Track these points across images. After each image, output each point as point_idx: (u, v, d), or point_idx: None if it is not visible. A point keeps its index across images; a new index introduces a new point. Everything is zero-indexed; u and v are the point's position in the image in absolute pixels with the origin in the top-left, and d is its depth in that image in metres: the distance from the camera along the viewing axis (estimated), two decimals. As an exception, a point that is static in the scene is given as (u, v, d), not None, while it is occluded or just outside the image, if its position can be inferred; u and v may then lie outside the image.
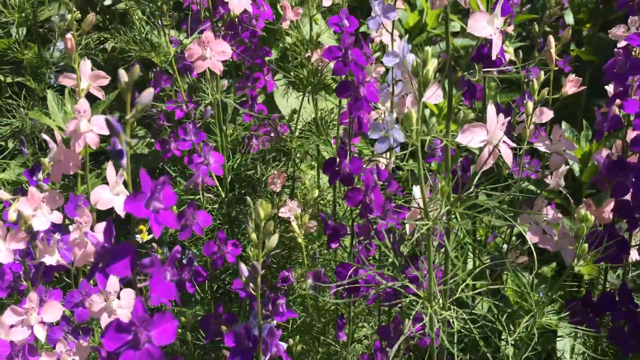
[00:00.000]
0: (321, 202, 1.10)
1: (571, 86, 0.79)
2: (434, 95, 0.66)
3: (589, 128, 1.22)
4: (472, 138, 0.60)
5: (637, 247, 0.95)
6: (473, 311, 0.68)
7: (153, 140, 1.32)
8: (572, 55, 1.67)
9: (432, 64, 0.53)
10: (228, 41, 1.14)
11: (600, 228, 0.88)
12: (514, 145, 0.62)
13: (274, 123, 1.14)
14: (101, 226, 0.64)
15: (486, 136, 0.60)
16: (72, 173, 0.72)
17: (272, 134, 1.13)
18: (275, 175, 1.04)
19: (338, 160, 0.82)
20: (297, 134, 1.15)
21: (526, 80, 0.96)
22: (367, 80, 0.82)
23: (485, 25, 0.63)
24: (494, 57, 0.63)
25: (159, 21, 1.08)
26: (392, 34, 1.01)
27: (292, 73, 1.09)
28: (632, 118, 0.77)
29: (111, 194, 0.62)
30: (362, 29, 1.28)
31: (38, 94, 1.24)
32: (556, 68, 0.80)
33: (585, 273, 1.05)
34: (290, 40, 1.25)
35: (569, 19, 1.69)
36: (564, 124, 1.23)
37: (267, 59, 1.18)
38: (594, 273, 1.05)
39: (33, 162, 1.08)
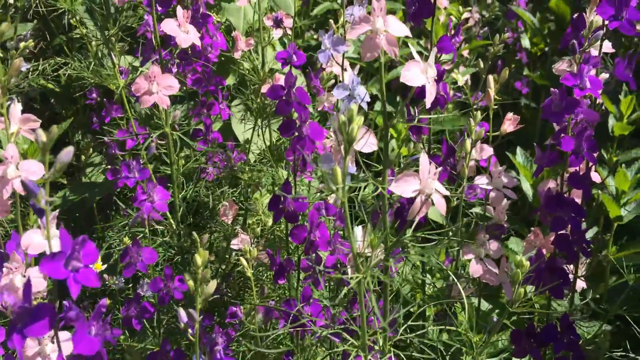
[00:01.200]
0: (277, 229, 1.10)
1: (509, 124, 0.80)
2: (367, 144, 0.66)
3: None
4: (405, 188, 0.60)
5: (582, 277, 0.97)
6: (413, 354, 0.68)
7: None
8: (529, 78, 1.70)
9: (358, 122, 0.53)
10: (181, 70, 1.14)
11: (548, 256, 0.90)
12: (447, 193, 0.62)
13: (227, 152, 1.14)
14: (34, 271, 0.63)
15: (419, 186, 0.60)
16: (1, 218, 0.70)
17: (227, 162, 1.13)
18: (227, 207, 1.04)
19: (282, 198, 0.82)
20: (253, 161, 1.15)
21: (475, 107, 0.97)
22: (311, 119, 0.82)
23: (419, 75, 0.63)
24: (428, 105, 0.64)
25: (111, 52, 1.08)
26: (342, 65, 1.02)
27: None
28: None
29: (43, 239, 0.61)
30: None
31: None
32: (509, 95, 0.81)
33: (535, 300, 1.06)
34: (247, 66, 1.25)
35: (525, 42, 1.72)
36: (518, 150, 1.24)
37: (221, 87, 1.18)
38: (543, 300, 1.07)
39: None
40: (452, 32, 0.88)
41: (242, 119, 1.34)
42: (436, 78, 0.76)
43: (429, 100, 0.65)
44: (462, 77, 1.02)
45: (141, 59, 1.13)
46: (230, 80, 1.35)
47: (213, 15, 1.28)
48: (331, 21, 1.08)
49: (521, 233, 1.31)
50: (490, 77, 0.81)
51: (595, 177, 0.91)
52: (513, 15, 1.72)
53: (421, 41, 1.38)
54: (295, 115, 0.81)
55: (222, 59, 1.32)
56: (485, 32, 1.77)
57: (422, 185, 0.60)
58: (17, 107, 0.71)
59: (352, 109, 0.53)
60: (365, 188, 0.69)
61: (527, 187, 1.25)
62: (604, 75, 0.89)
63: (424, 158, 0.61)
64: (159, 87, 0.92)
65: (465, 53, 1.46)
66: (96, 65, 1.28)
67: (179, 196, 1.02)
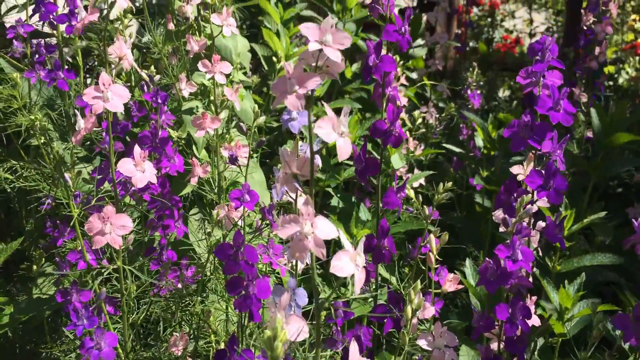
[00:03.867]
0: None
1: (450, 285, 0.84)
2: (303, 333, 0.68)
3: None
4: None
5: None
6: None
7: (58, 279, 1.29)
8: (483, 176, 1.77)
9: (283, 338, 0.55)
10: (138, 191, 1.15)
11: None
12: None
13: (181, 273, 1.14)
14: None
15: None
16: None
17: (179, 286, 1.13)
18: (177, 338, 1.04)
19: (228, 353, 0.83)
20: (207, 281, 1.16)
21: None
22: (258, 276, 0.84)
23: (348, 263, 0.66)
24: (357, 291, 0.66)
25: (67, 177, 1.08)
26: (295, 200, 1.05)
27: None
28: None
29: None
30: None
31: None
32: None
33: None
34: (206, 177, 1.27)
35: (479, 141, 1.79)
36: (467, 268, 1.28)
37: (178, 207, 1.19)
38: None
39: None
40: (398, 185, 0.92)
41: (199, 229, 1.35)
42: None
43: (357, 286, 0.67)
44: (413, 192, 1.06)
45: (97, 179, 1.14)
46: (187, 189, 1.36)
47: (173, 132, 1.31)
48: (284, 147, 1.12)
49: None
50: (432, 237, 0.84)
51: (535, 320, 0.95)
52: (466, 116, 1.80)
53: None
54: (243, 274, 0.83)
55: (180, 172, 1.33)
56: (441, 131, 1.84)
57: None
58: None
59: (277, 325, 0.55)
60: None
61: (475, 302, 1.29)
62: (541, 224, 0.95)
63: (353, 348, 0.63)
64: (112, 226, 0.93)
65: (419, 151, 1.51)
66: (52, 177, 1.28)
67: (128, 328, 1.02)
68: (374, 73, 0.90)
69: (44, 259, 1.29)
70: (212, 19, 1.11)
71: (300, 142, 1.12)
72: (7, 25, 1.37)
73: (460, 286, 0.85)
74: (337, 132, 0.63)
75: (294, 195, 1.07)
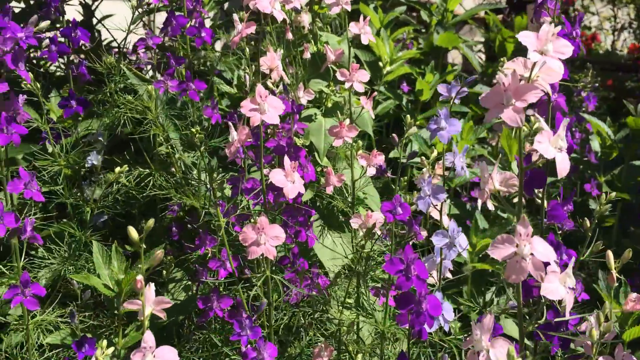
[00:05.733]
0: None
1: (632, 305, 0.79)
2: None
3: None
4: None
5: None
6: None
7: (189, 283, 1.32)
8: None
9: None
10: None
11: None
12: None
13: (318, 285, 1.14)
14: None
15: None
16: None
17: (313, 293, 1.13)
18: (321, 348, 1.03)
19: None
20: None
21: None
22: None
23: (559, 286, 0.63)
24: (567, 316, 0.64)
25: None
26: (441, 212, 1.02)
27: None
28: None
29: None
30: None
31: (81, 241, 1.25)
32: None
33: None
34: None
35: (595, 145, 1.72)
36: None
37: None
38: None
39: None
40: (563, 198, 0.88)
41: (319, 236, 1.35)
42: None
43: (567, 309, 0.65)
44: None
45: (231, 190, 1.15)
46: (307, 196, 1.36)
47: (298, 140, 1.31)
48: (422, 157, 1.09)
49: None
50: (610, 255, 0.80)
51: None
52: (582, 118, 1.72)
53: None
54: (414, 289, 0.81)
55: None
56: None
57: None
58: (150, 290, 0.73)
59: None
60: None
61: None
62: None
63: None
64: (267, 237, 0.93)
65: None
66: (182, 184, 1.31)
67: (274, 337, 1.02)
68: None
69: (173, 265, 1.32)
70: (350, 27, 1.11)
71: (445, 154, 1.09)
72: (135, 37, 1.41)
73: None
74: (556, 147, 0.60)
75: (439, 208, 1.04)
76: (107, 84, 1.35)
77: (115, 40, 1.66)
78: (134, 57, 1.41)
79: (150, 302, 0.73)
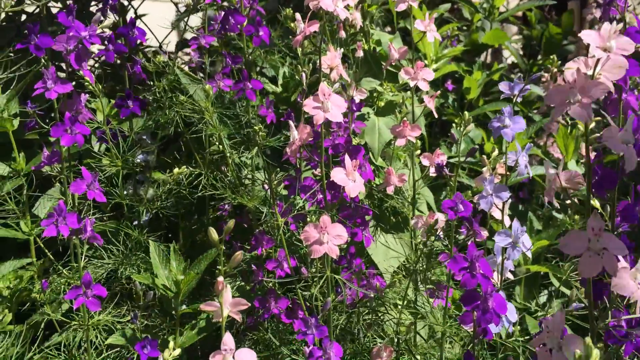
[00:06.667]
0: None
1: None
2: None
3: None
4: None
5: None
6: None
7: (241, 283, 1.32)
8: None
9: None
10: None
11: None
12: None
13: (377, 286, 1.14)
14: None
15: None
16: None
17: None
18: (380, 349, 1.03)
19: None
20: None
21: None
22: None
23: (630, 282, 0.62)
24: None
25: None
26: (502, 211, 1.01)
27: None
28: None
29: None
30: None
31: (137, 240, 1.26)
32: None
33: None
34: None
35: None
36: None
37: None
38: None
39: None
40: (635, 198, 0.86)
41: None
42: None
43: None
44: None
45: (288, 189, 1.15)
46: (361, 195, 1.35)
47: (354, 139, 1.31)
48: (483, 156, 1.08)
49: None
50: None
51: None
52: None
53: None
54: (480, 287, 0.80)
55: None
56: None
57: None
58: (228, 292, 0.73)
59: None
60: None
61: None
62: None
63: None
64: (329, 236, 0.93)
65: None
66: (235, 184, 1.31)
67: (332, 337, 1.02)
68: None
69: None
70: (416, 24, 1.10)
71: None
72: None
73: None
74: (623, 141, 0.59)
75: (500, 207, 1.03)
76: (155, 83, 1.36)
77: (157, 39, 1.66)
78: (175, 57, 1.42)
79: (227, 304, 0.74)
